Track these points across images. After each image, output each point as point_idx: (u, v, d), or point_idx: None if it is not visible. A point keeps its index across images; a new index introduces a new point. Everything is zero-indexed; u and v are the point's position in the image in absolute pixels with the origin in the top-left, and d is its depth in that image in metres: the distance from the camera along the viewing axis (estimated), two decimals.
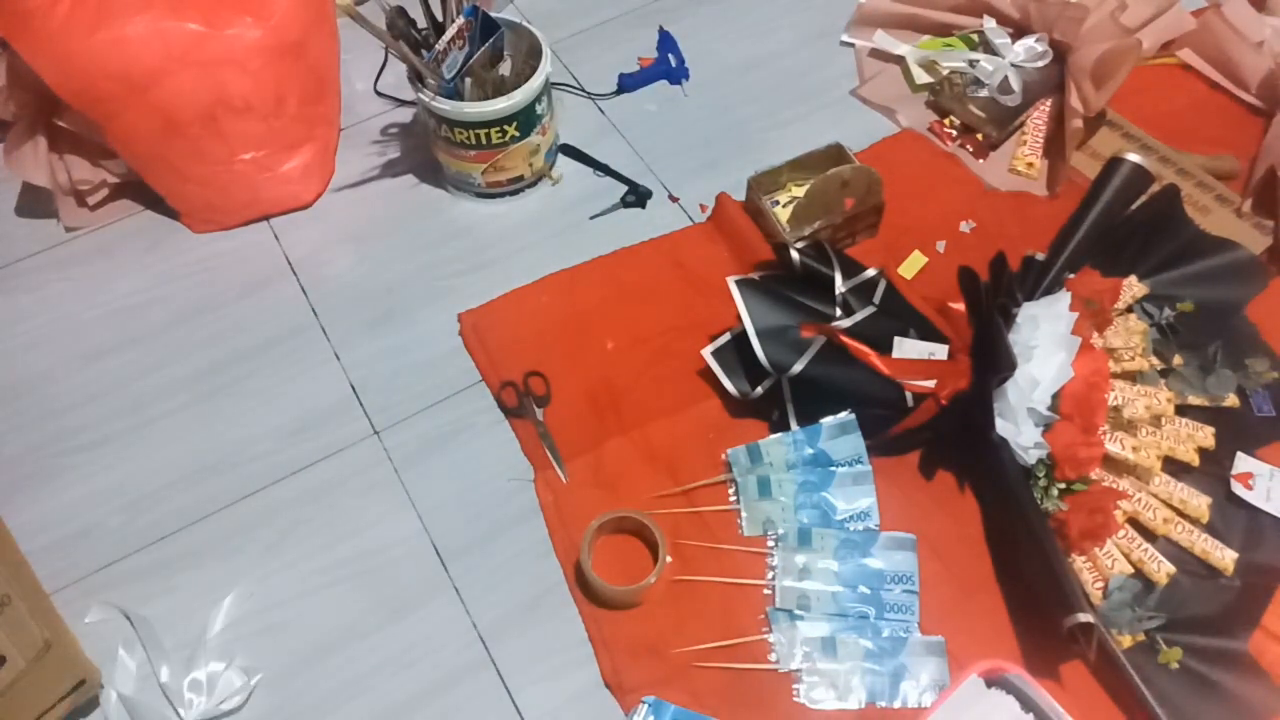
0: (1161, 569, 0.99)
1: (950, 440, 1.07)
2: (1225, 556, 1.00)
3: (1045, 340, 1.06)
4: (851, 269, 1.15)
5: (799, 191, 1.27)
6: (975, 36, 1.43)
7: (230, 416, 1.14)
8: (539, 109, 1.22)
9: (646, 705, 0.93)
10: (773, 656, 0.97)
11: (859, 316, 1.11)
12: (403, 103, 1.42)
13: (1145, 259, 1.19)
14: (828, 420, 1.06)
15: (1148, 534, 1.02)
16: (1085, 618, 0.90)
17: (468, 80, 1.19)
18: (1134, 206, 1.24)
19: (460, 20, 1.15)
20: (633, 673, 0.96)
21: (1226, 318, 1.17)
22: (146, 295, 1.24)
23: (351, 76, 1.41)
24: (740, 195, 1.26)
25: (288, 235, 1.29)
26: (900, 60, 1.44)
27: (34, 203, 1.32)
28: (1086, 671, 0.95)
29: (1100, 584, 0.98)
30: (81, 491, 1.09)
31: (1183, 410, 1.09)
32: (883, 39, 1.45)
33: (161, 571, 1.04)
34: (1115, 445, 1.03)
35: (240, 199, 1.27)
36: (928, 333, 1.11)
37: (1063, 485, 1.02)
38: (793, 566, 1.00)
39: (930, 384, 1.05)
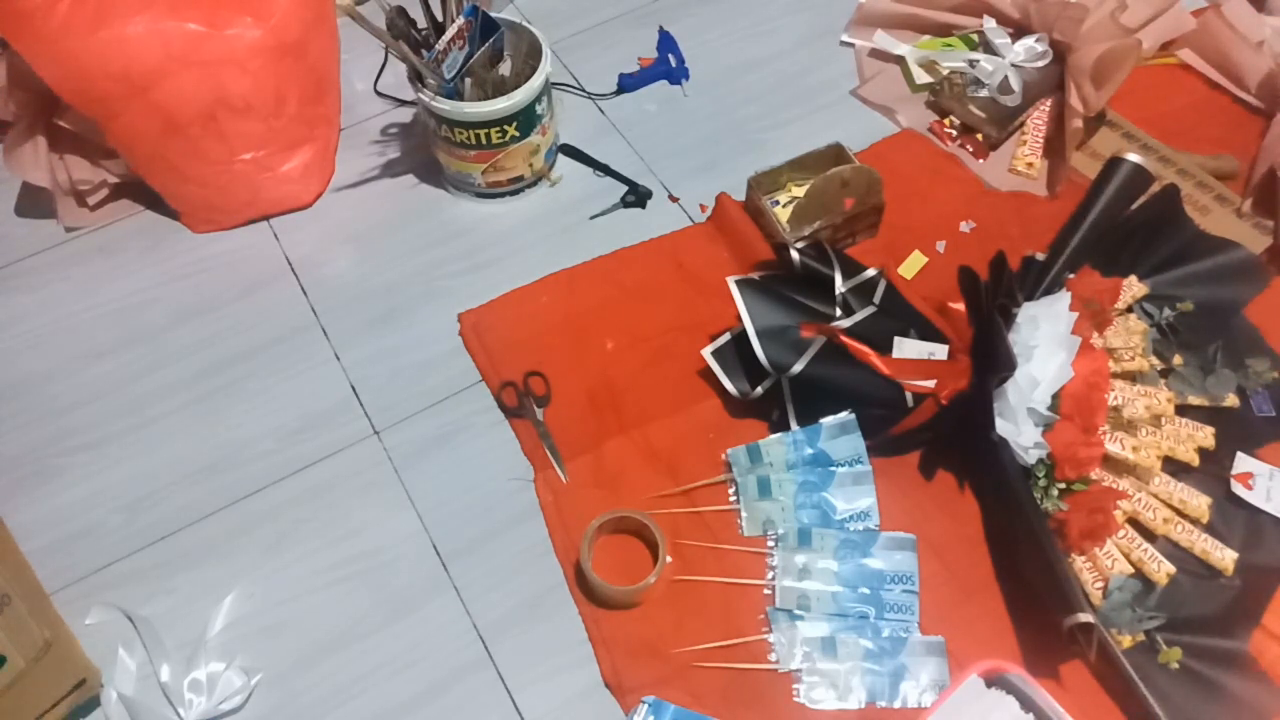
0: (1161, 569, 0.99)
1: (950, 440, 1.07)
2: (1225, 556, 1.00)
3: (1045, 340, 1.06)
4: (851, 269, 1.15)
5: (799, 191, 1.27)
6: (975, 36, 1.43)
7: (230, 416, 1.14)
8: (539, 109, 1.22)
9: (646, 705, 0.93)
10: (773, 656, 0.97)
11: (859, 316, 1.11)
12: (403, 103, 1.42)
13: (1145, 259, 1.19)
14: (828, 420, 1.06)
15: (1148, 534, 1.02)
16: (1085, 618, 0.90)
17: (468, 80, 1.19)
18: (1134, 206, 1.24)
19: (460, 20, 1.15)
20: (633, 673, 0.96)
21: (1226, 318, 1.17)
22: (146, 295, 1.24)
23: (351, 76, 1.41)
24: (740, 195, 1.26)
25: (288, 235, 1.29)
26: (900, 60, 1.45)
27: (34, 203, 1.32)
28: (1086, 671, 0.95)
29: (1100, 584, 0.98)
30: (81, 491, 1.09)
31: (1183, 410, 1.09)
32: (883, 39, 1.45)
33: (161, 571, 1.04)
34: (1115, 445, 1.03)
35: (240, 199, 1.27)
36: (928, 333, 1.11)
37: (1063, 485, 1.02)
38: (793, 566, 1.00)
39: (930, 384, 1.05)
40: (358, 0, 1.10)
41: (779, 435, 1.07)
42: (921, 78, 1.42)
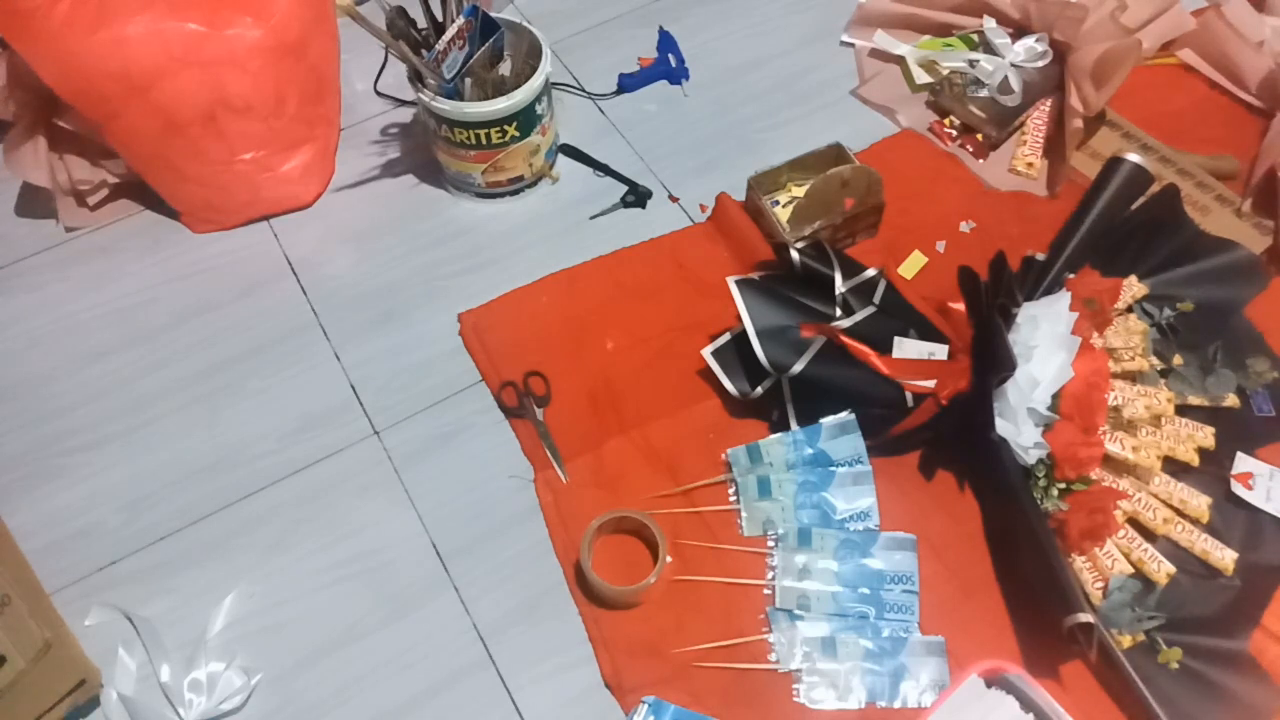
0: (1161, 569, 0.99)
1: (950, 440, 1.07)
2: (1225, 556, 1.00)
3: (1045, 340, 1.06)
4: (851, 269, 1.15)
5: (799, 191, 1.27)
6: (975, 36, 1.43)
7: (230, 416, 1.14)
8: (539, 109, 1.22)
9: (646, 705, 0.93)
10: (773, 656, 0.97)
11: (859, 316, 1.11)
12: (403, 103, 1.42)
13: (1145, 259, 1.19)
14: (828, 420, 1.06)
15: (1148, 534, 1.02)
16: (1085, 618, 0.90)
17: (468, 80, 1.19)
18: (1134, 206, 1.24)
19: (460, 20, 1.15)
20: (633, 673, 0.96)
21: (1226, 318, 1.17)
22: (146, 295, 1.24)
23: (351, 76, 1.41)
24: (740, 195, 1.26)
25: (288, 235, 1.29)
26: (900, 60, 1.44)
27: (34, 203, 1.32)
28: (1086, 671, 0.95)
29: (1100, 584, 0.98)
30: (81, 491, 1.09)
31: (1183, 410, 1.09)
32: (883, 39, 1.45)
33: (161, 571, 1.04)
34: (1115, 445, 1.03)
35: (240, 199, 1.27)
36: (928, 333, 1.11)
37: (1063, 485, 1.02)
38: (793, 566, 1.00)
39: (930, 384, 1.05)
40: (358, 0, 1.10)
41: (779, 435, 1.07)
42: (921, 78, 1.42)
